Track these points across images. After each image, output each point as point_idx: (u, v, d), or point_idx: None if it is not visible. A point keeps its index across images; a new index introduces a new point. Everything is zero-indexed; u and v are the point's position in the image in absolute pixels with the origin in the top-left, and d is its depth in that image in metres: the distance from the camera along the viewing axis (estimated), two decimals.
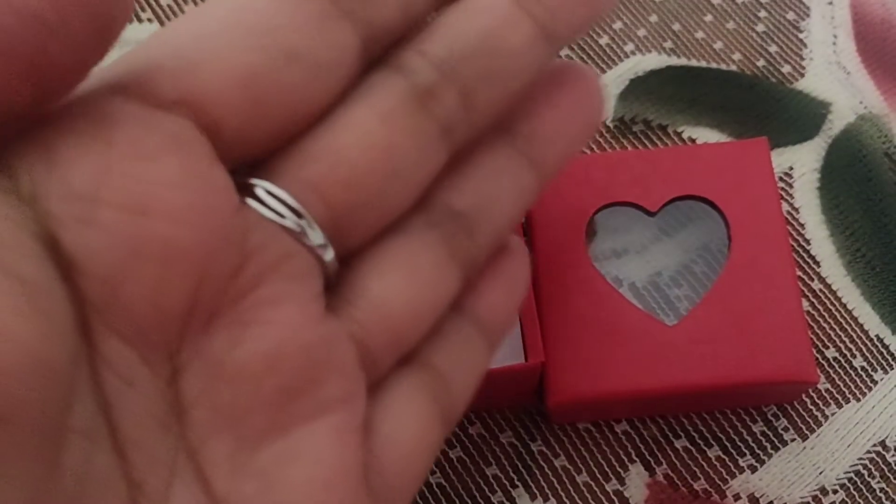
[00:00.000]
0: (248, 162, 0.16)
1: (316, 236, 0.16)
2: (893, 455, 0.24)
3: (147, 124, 0.14)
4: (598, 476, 0.24)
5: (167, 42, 0.15)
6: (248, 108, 0.15)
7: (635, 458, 0.24)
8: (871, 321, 0.25)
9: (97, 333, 0.13)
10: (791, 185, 0.27)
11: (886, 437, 0.24)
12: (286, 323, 0.15)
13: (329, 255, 0.16)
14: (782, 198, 0.27)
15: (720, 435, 0.24)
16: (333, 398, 0.16)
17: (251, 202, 0.15)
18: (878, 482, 0.23)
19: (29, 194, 0.13)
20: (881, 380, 0.25)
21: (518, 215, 0.19)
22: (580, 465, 0.24)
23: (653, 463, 0.24)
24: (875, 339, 0.25)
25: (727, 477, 0.23)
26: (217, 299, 0.15)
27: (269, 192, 0.16)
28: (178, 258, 0.14)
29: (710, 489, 0.23)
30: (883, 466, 0.23)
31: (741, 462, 0.24)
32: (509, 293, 0.20)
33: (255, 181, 0.16)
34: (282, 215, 0.16)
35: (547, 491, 0.24)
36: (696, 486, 0.23)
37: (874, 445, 0.24)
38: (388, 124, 0.17)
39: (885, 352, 0.25)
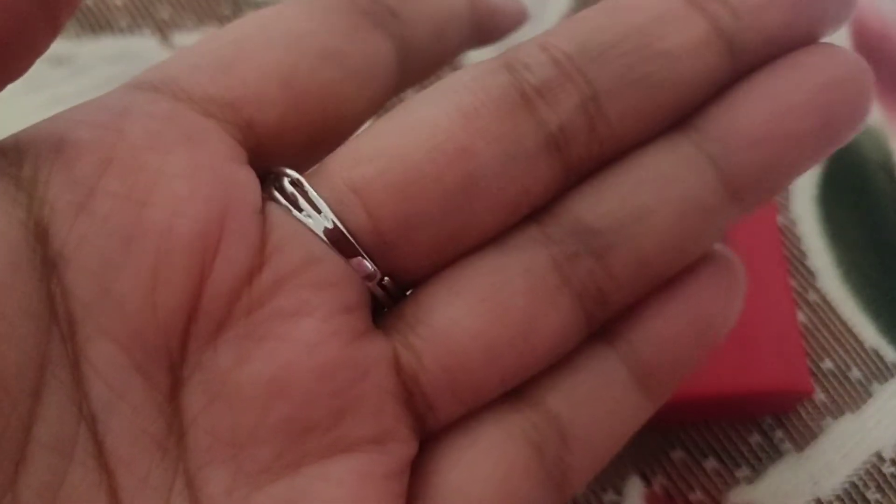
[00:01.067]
0: (293, 164, 0.15)
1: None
2: (889, 466, 0.24)
3: (166, 119, 0.13)
4: (595, 488, 0.24)
5: (206, 46, 0.15)
6: (284, 105, 0.14)
7: (632, 469, 0.24)
8: (868, 333, 0.25)
9: (83, 335, 0.12)
10: (787, 197, 0.27)
11: (882, 449, 0.24)
12: (302, 340, 0.13)
13: (366, 266, 0.14)
14: (779, 209, 0.27)
15: (716, 446, 0.24)
16: (359, 436, 0.14)
17: (278, 197, 0.14)
18: (874, 493, 0.23)
19: (29, 180, 0.12)
20: (877, 391, 0.25)
21: (691, 233, 0.14)
22: None
23: (649, 474, 0.24)
24: (871, 351, 0.25)
25: (723, 488, 0.24)
26: (227, 306, 0.13)
27: (295, 186, 0.14)
28: (178, 251, 0.13)
29: (706, 501, 0.23)
30: (878, 478, 0.24)
31: (737, 474, 0.24)
32: (692, 329, 0.15)
33: (285, 173, 0.14)
34: (301, 210, 0.14)
35: None
36: (692, 497, 0.24)
37: (870, 457, 0.24)
38: (470, 125, 0.14)
39: (881, 363, 0.25)
